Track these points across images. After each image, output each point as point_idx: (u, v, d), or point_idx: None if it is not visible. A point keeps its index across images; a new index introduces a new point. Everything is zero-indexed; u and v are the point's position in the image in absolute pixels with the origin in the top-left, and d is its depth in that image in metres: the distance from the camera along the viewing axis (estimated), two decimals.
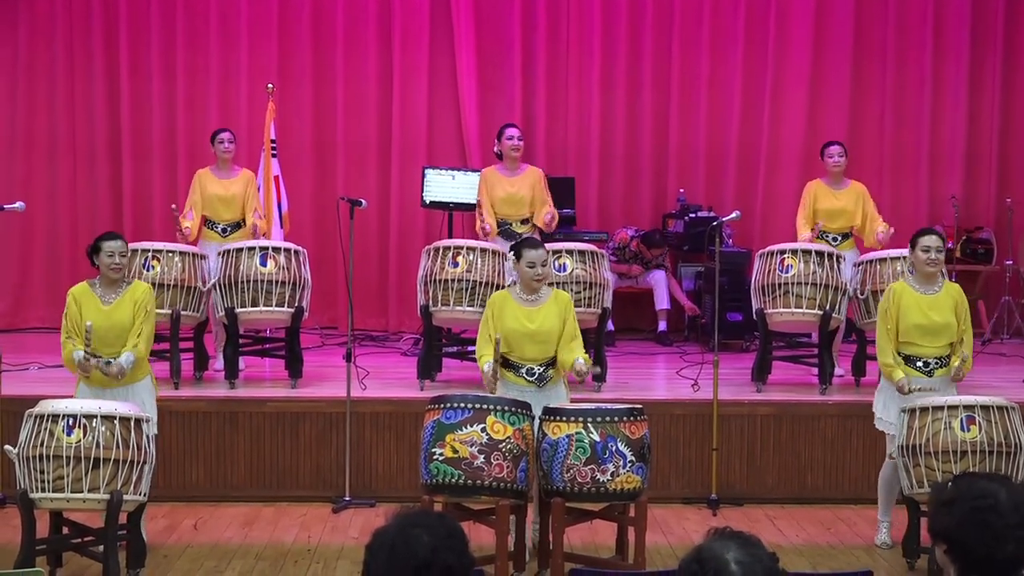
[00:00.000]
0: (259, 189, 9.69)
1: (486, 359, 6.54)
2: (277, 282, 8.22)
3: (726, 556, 2.51)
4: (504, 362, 6.61)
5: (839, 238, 8.86)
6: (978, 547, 2.86)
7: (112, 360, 6.45)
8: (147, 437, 6.27)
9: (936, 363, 6.79)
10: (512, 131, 9.10)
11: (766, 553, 2.54)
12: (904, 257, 8.28)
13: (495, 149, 9.24)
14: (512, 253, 6.82)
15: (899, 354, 6.83)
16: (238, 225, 8.98)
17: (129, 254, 6.69)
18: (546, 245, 8.49)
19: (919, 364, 6.79)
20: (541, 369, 6.59)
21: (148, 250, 8.29)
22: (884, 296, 6.97)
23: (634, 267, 10.65)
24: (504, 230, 8.90)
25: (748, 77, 11.13)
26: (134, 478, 6.15)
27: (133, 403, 6.46)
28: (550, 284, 7.02)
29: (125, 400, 6.47)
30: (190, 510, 7.41)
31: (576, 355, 6.51)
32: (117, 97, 11.05)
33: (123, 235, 6.85)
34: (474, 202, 9.88)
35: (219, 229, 8.97)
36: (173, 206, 8.95)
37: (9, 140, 11.06)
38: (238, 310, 8.21)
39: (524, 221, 9.00)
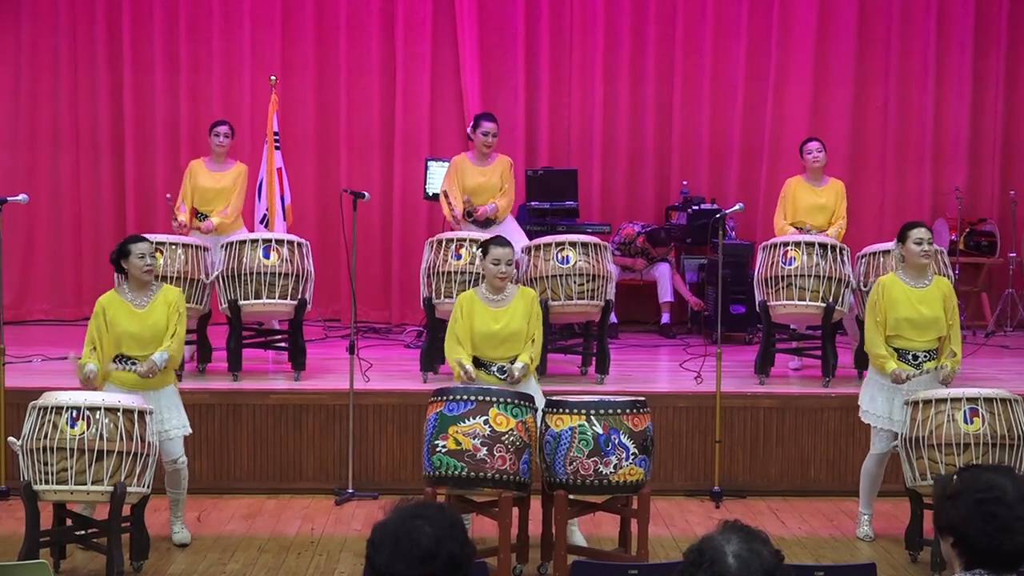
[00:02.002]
0: (262, 183, 9.69)
1: (462, 359, 6.56)
2: (280, 274, 8.22)
3: (725, 548, 2.52)
4: (475, 361, 6.64)
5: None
6: (985, 539, 2.86)
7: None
8: (150, 430, 6.28)
9: (925, 356, 6.82)
10: (488, 125, 8.90)
11: (769, 550, 2.54)
12: None
13: (468, 132, 9.12)
14: (479, 250, 6.81)
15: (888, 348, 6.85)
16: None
17: (157, 255, 6.68)
18: (550, 237, 8.53)
19: (908, 357, 6.82)
20: (509, 364, 6.62)
21: (151, 242, 8.27)
22: (873, 289, 6.99)
23: (638, 260, 10.65)
24: (475, 220, 8.84)
25: (751, 69, 11.12)
26: (138, 470, 6.16)
27: (168, 405, 6.55)
28: (516, 282, 7.00)
29: (158, 402, 6.53)
30: (193, 502, 7.40)
31: (522, 357, 6.59)
32: (120, 88, 11.05)
33: (147, 237, 6.85)
34: None
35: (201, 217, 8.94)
36: (168, 196, 8.97)
37: (12, 131, 11.07)
38: (241, 302, 8.21)
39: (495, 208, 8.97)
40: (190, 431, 6.79)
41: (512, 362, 6.62)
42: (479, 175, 8.89)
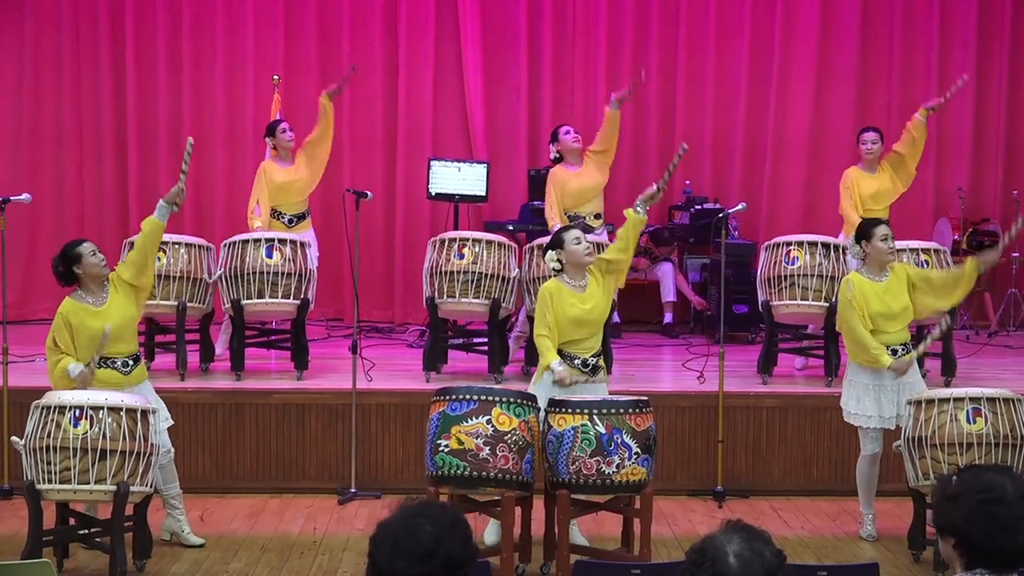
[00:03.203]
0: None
1: (551, 357, 6.49)
2: (283, 274, 8.23)
3: (727, 548, 2.52)
4: (558, 352, 6.60)
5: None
6: (987, 540, 2.86)
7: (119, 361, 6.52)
8: (154, 429, 6.28)
9: (902, 349, 6.86)
10: (567, 128, 9.29)
11: (771, 550, 2.54)
12: (911, 249, 8.33)
13: (552, 155, 9.29)
14: (548, 249, 6.76)
15: None
16: (303, 216, 9.24)
17: None
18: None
19: (887, 351, 6.83)
20: (595, 360, 6.60)
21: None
22: (842, 289, 7.00)
23: (641, 260, 10.65)
24: (580, 224, 8.89)
25: (754, 68, 11.11)
26: (141, 469, 6.16)
27: (149, 401, 6.48)
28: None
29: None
30: (196, 502, 7.42)
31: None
32: (123, 88, 11.06)
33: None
34: (481, 194, 9.96)
35: (285, 220, 9.12)
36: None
37: (15, 131, 11.08)
38: (244, 302, 8.22)
39: (598, 216, 9.09)
40: (172, 422, 6.77)
41: (596, 356, 6.59)
42: (576, 180, 9.15)
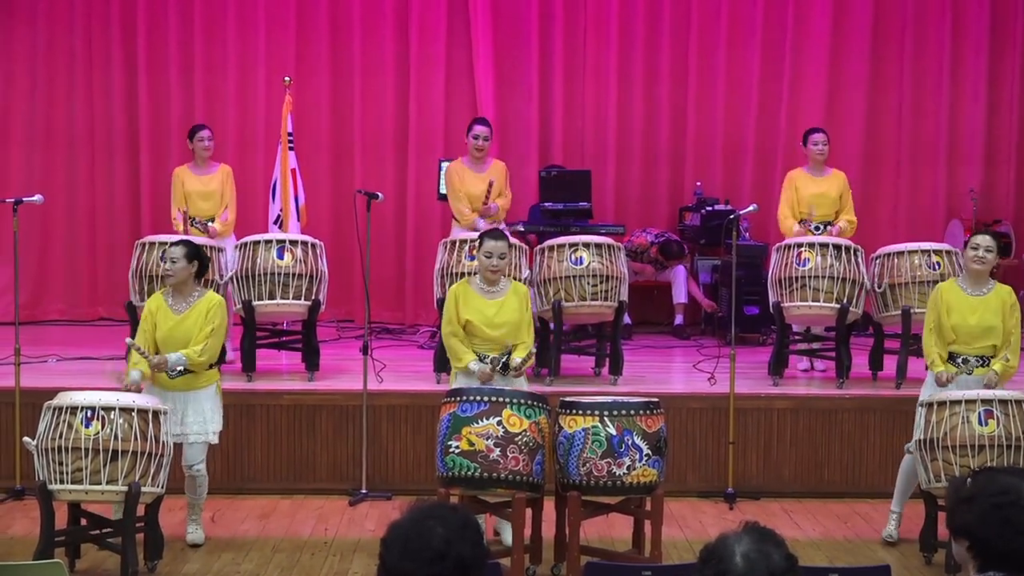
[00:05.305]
0: (276, 183, 9.73)
1: (469, 358, 6.54)
2: (294, 275, 8.24)
3: (735, 548, 2.53)
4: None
5: (822, 227, 8.81)
6: (1001, 542, 2.87)
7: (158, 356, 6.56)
8: (165, 430, 6.29)
9: (977, 362, 6.81)
10: (479, 128, 8.98)
11: (781, 553, 2.54)
12: (922, 251, 8.31)
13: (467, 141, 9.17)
14: (477, 241, 6.83)
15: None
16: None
17: (186, 261, 6.62)
18: (564, 238, 8.53)
19: (959, 361, 6.82)
20: (505, 358, 6.57)
21: (165, 243, 8.29)
22: (932, 292, 7.04)
23: (648, 267, 10.64)
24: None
25: (766, 69, 11.11)
26: (152, 470, 6.17)
27: (196, 410, 6.56)
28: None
29: (187, 406, 6.52)
30: (207, 502, 7.41)
31: (517, 353, 6.56)
32: (135, 89, 11.09)
33: (188, 242, 6.82)
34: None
35: (198, 224, 8.91)
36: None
37: (28, 133, 11.11)
38: (255, 303, 8.23)
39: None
40: (213, 440, 6.75)
41: (504, 353, 6.56)
42: (478, 181, 8.91)
